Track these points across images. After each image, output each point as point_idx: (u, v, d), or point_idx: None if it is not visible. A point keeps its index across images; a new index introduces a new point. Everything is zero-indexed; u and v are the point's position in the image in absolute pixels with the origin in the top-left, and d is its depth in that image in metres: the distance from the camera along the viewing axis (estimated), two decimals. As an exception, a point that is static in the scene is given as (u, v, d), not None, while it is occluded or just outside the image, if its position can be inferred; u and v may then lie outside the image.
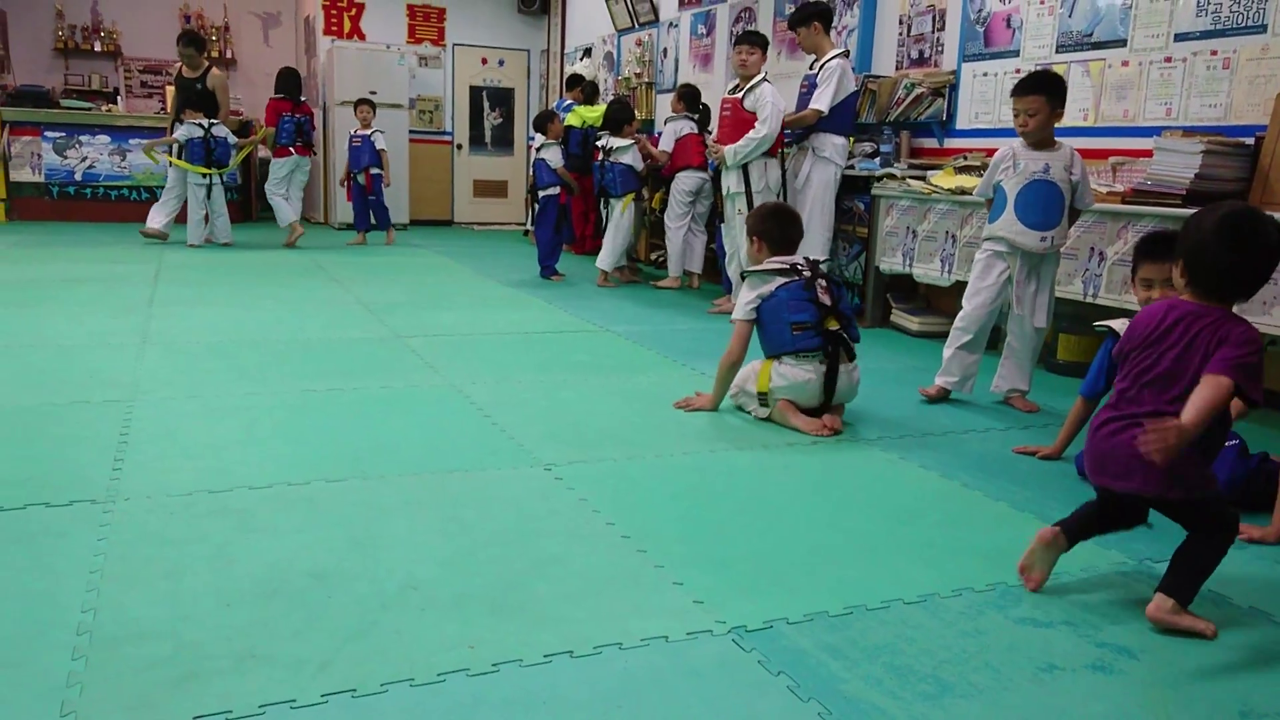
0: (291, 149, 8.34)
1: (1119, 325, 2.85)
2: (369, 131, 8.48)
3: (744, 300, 3.38)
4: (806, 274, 3.33)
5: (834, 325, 3.29)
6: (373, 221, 8.81)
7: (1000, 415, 3.59)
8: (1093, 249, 3.98)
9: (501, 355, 4.28)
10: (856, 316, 5.43)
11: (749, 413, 3.40)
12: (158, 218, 7.86)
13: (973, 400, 3.80)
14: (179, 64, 7.96)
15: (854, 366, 3.37)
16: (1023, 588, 2.09)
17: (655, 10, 8.88)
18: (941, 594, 2.04)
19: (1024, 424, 3.48)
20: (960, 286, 4.91)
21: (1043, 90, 3.47)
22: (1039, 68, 4.86)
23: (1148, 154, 3.97)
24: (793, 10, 5.60)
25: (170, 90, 7.77)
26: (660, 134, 6.86)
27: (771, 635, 1.83)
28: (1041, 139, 3.52)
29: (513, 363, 4.14)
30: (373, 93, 10.19)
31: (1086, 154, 4.55)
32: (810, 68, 5.51)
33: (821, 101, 5.27)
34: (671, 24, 8.64)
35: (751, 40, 5.38)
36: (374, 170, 8.48)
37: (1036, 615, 1.97)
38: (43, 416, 3.07)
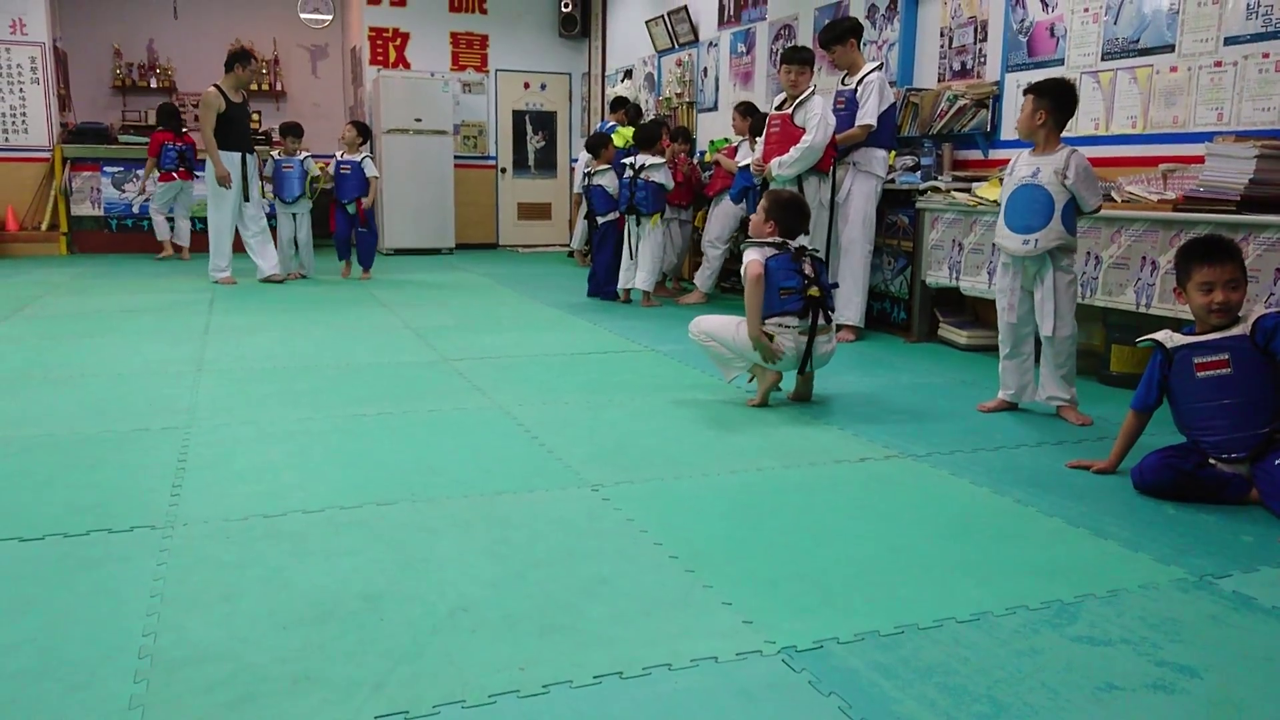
0: (174, 174, 9.25)
1: (1164, 337, 2.81)
2: (359, 158, 7.82)
3: (753, 255, 3.75)
4: (794, 249, 3.75)
5: (815, 293, 3.70)
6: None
7: (1053, 429, 3.54)
8: (1144, 258, 3.91)
9: (548, 377, 4.31)
10: (903, 331, 5.42)
11: (726, 373, 3.86)
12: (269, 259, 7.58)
13: (1025, 414, 3.75)
14: (211, 90, 7.22)
15: (831, 336, 3.81)
16: (1080, 604, 2.05)
17: (695, 30, 8.93)
18: (995, 612, 2.01)
19: (1077, 438, 3.42)
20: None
21: (1030, 91, 3.53)
22: (1084, 76, 4.82)
23: (1199, 160, 3.90)
24: (822, 30, 5.56)
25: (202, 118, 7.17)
26: (737, 147, 6.81)
27: (822, 655, 1.82)
28: (1038, 142, 3.54)
29: (559, 384, 4.16)
30: (418, 120, 10.39)
31: (1136, 162, 4.50)
32: (842, 82, 5.47)
33: (870, 116, 5.24)
34: (711, 43, 8.68)
35: (799, 59, 5.32)
36: (365, 200, 7.88)
37: (1094, 634, 1.93)
38: (104, 444, 3.16)
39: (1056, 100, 3.49)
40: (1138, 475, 2.81)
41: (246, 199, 7.37)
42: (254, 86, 12.05)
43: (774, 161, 5.33)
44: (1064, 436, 3.43)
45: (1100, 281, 4.11)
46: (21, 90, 9.74)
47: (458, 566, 2.20)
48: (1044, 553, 2.36)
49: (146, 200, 9.61)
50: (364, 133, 8.02)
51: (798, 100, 5.29)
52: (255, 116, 12.09)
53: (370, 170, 7.80)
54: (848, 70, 5.45)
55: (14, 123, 9.76)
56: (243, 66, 7.23)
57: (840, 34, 5.36)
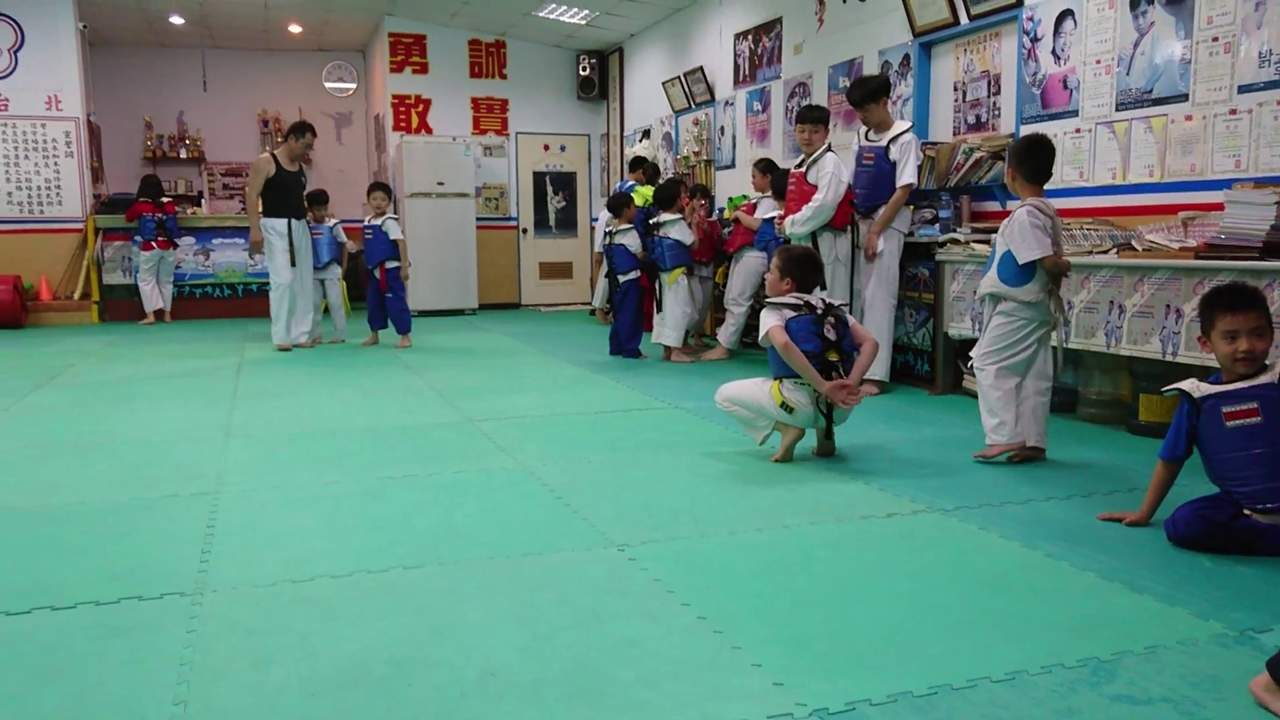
0: (154, 243, 9.59)
1: (1189, 386, 2.78)
2: (380, 221, 7.61)
3: (771, 320, 3.76)
4: (819, 310, 3.76)
5: (834, 357, 3.70)
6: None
7: (1081, 481, 3.50)
8: (1168, 306, 3.90)
9: (572, 436, 4.32)
10: (927, 384, 5.40)
11: (755, 436, 3.87)
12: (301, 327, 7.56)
13: (1052, 466, 3.71)
14: (264, 156, 7.39)
15: None
16: (1117, 661, 2.01)
17: (711, 90, 9.07)
18: (1030, 671, 1.98)
19: (1108, 490, 3.38)
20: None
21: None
22: (1099, 126, 4.85)
23: (1218, 207, 3.90)
24: (852, 87, 5.60)
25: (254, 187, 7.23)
26: (756, 203, 6.90)
27: (855, 717, 1.79)
28: (1019, 195, 3.80)
29: (583, 443, 4.17)
30: (440, 183, 10.57)
31: (1155, 210, 4.51)
32: (867, 138, 5.52)
33: (910, 176, 5.29)
34: (727, 102, 8.81)
35: (813, 118, 5.47)
36: (389, 264, 7.59)
37: (1133, 692, 1.89)
38: (135, 511, 3.19)
39: (1017, 157, 3.73)
40: (1171, 527, 2.77)
41: (292, 263, 7.36)
42: (280, 155, 12.37)
43: (788, 220, 5.43)
44: (1093, 489, 3.39)
45: (1125, 330, 4.09)
46: (56, 164, 10.01)
47: (485, 630, 2.19)
48: (1078, 608, 2.32)
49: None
50: (389, 194, 7.86)
51: (811, 158, 5.42)
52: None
53: (394, 232, 7.60)
54: (875, 127, 5.47)
55: (49, 195, 10.02)
56: (296, 137, 7.36)
57: (872, 92, 5.40)
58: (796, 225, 5.40)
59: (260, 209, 7.27)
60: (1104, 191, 4.86)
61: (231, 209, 11.64)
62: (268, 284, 7.49)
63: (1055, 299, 3.71)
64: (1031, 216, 3.61)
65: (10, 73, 9.79)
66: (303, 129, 7.40)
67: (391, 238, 7.58)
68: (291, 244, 7.33)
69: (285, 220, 7.30)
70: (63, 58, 9.91)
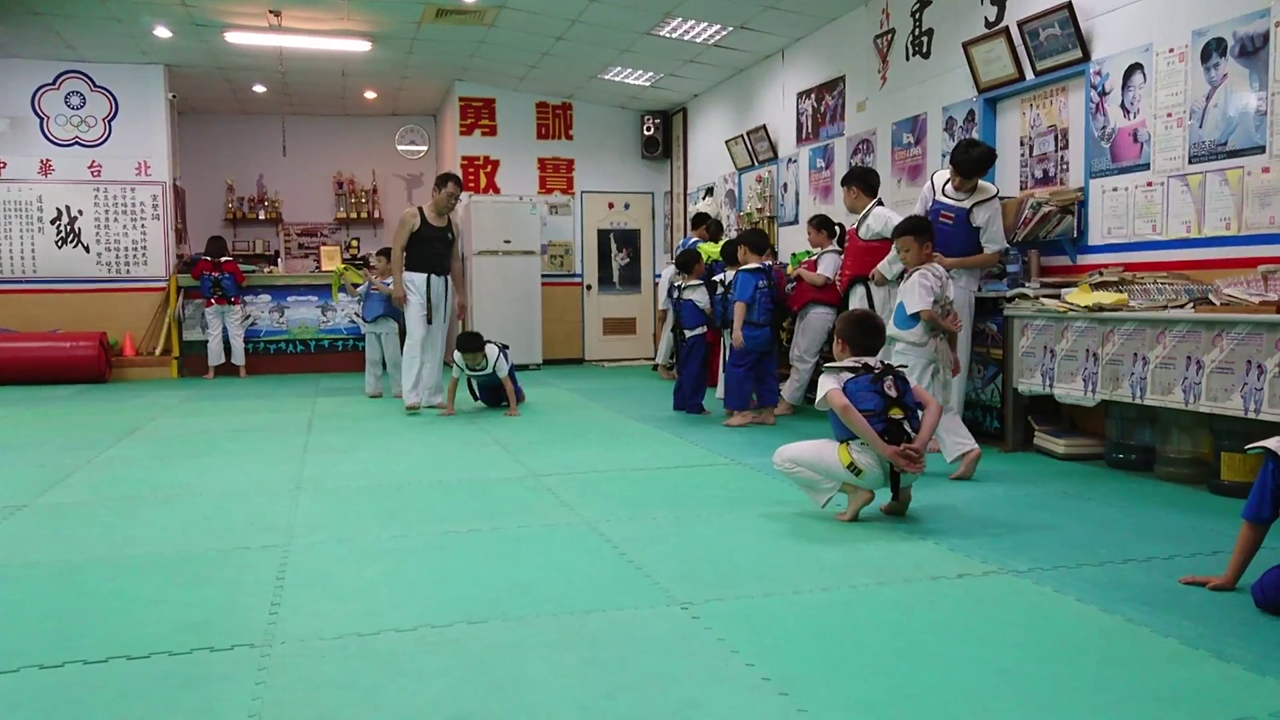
0: (211, 300, 10.08)
1: (1275, 444, 2.68)
2: (493, 366, 7.03)
3: (829, 383, 3.73)
4: (876, 370, 3.71)
5: (897, 414, 3.63)
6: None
7: (1163, 543, 3.38)
8: (1249, 361, 3.78)
9: (635, 491, 4.32)
10: (997, 440, 5.28)
11: (817, 498, 3.78)
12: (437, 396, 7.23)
13: (1131, 527, 3.59)
14: (410, 209, 7.11)
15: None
16: (1204, 735, 1.92)
17: (774, 148, 9.14)
18: (1111, 742, 1.90)
19: (1189, 552, 3.26)
20: (1106, 405, 4.73)
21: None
22: (1171, 179, 4.77)
23: (1301, 260, 3.79)
24: (963, 152, 5.22)
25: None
26: (817, 259, 6.89)
27: (926, 787, 1.74)
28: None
29: (646, 499, 4.16)
30: (507, 241, 10.79)
31: (1233, 264, 4.40)
32: (944, 193, 5.33)
33: (1003, 240, 5.30)
34: (790, 159, 8.86)
35: (845, 182, 6.03)
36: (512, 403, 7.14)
37: (1222, 767, 1.80)
38: (208, 562, 3.26)
39: (928, 235, 4.57)
40: (1259, 592, 2.66)
41: (429, 321, 7.07)
42: (353, 215, 12.78)
43: (881, 264, 5.50)
44: (1174, 551, 3.27)
45: (1204, 386, 3.97)
46: (143, 226, 10.47)
47: (547, 688, 2.19)
48: (1161, 677, 2.23)
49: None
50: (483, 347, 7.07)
51: (861, 216, 5.82)
52: (359, 249, 12.74)
53: (504, 371, 7.06)
54: (967, 190, 5.29)
55: (135, 256, 10.47)
56: (438, 189, 7.13)
57: (983, 164, 5.22)
58: (891, 266, 5.40)
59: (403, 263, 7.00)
60: (1178, 245, 4.76)
61: (305, 267, 12.01)
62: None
63: (943, 345, 4.49)
64: (923, 279, 4.45)
65: (104, 141, 10.32)
66: (443, 180, 7.13)
67: (501, 376, 7.08)
68: (430, 300, 7.06)
69: (424, 276, 7.04)
70: (153, 126, 10.42)
